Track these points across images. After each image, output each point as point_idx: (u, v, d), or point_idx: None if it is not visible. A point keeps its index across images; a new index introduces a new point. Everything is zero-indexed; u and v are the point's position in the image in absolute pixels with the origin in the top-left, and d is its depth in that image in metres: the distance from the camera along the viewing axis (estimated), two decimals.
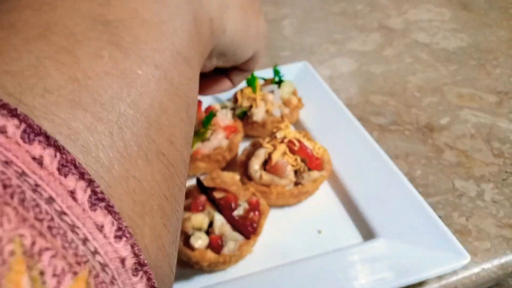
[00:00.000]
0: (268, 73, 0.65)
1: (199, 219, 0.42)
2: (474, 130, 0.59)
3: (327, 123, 0.59)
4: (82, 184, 0.12)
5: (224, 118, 0.56)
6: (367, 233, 0.45)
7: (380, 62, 0.78)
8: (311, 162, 0.49)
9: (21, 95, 0.13)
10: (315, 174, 0.49)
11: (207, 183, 0.45)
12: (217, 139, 0.54)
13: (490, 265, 0.42)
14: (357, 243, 0.44)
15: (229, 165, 0.55)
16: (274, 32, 0.91)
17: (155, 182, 0.16)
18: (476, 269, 0.42)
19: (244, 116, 0.59)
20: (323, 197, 0.50)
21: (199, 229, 0.42)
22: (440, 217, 0.45)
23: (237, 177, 0.46)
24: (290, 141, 0.49)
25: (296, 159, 0.49)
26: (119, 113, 0.15)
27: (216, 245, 0.41)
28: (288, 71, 0.68)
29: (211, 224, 0.42)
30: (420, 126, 0.61)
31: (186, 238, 0.41)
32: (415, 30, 0.87)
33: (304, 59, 0.76)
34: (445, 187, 0.51)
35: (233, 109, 0.60)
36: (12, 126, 0.12)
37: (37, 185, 0.11)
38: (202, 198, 0.43)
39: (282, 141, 0.50)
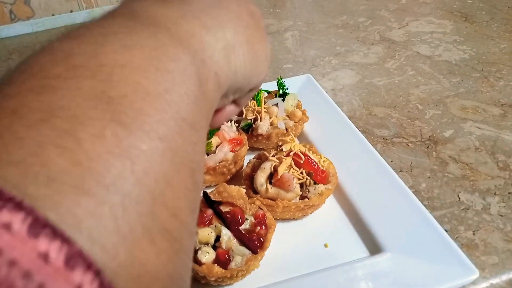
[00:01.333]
0: (272, 86, 0.66)
1: (206, 233, 0.42)
2: (479, 143, 0.59)
3: (331, 135, 0.59)
4: (89, 276, 0.12)
5: (229, 130, 0.56)
6: (374, 247, 0.45)
7: (382, 74, 0.78)
8: (316, 175, 0.49)
9: (25, 186, 0.13)
10: (321, 187, 0.49)
11: (213, 197, 0.45)
12: (223, 152, 0.54)
13: (499, 280, 0.42)
14: (364, 257, 0.44)
15: (235, 178, 0.55)
16: (276, 45, 0.92)
17: (159, 263, 0.15)
18: (484, 284, 0.42)
19: (249, 128, 0.59)
20: (329, 210, 0.50)
21: (206, 244, 0.42)
22: (446, 231, 0.44)
23: (243, 190, 0.46)
24: (296, 154, 0.49)
25: (302, 173, 0.49)
26: (123, 193, 0.14)
27: (223, 260, 0.40)
28: (291, 83, 0.68)
29: (218, 239, 0.42)
30: (424, 138, 0.61)
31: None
32: (417, 43, 0.88)
33: (307, 71, 0.76)
34: (450, 201, 0.51)
35: (238, 122, 0.60)
36: (18, 221, 0.12)
37: (42, 284, 0.11)
38: (209, 212, 0.43)
39: (287, 154, 0.50)
